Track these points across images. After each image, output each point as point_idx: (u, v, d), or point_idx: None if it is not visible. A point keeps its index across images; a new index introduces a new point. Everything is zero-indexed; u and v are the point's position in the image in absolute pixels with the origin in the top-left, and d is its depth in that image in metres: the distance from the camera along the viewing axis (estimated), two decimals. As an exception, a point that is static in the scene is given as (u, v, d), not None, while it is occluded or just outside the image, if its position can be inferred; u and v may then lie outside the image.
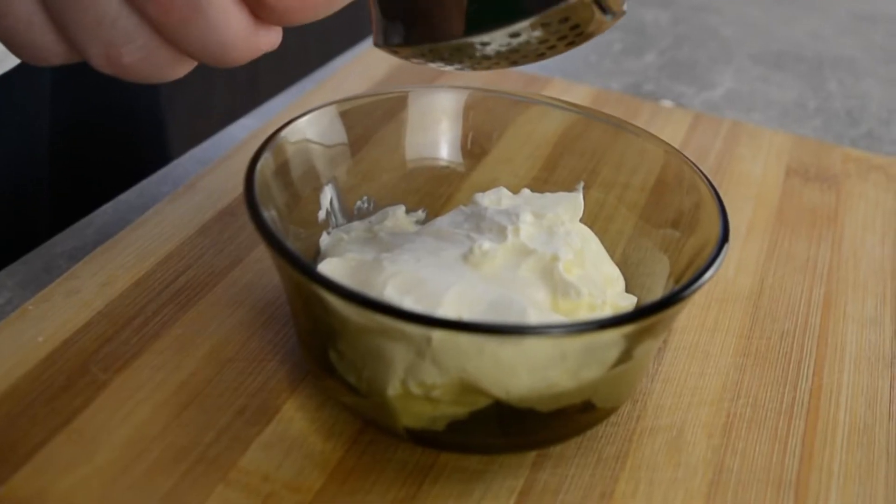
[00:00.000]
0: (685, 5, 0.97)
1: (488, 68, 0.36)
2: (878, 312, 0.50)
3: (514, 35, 0.34)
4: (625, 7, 0.34)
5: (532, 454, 0.39)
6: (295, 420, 0.39)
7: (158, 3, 0.31)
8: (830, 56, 0.88)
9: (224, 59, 0.33)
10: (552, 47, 0.35)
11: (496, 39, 0.34)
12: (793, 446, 0.41)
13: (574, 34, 0.35)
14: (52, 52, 0.33)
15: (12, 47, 0.33)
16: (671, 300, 0.35)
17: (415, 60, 0.37)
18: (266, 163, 0.40)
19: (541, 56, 0.35)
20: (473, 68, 0.36)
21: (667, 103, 0.72)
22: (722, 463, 0.40)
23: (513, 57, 0.35)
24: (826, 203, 0.59)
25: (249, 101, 0.82)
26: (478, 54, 0.35)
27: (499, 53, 0.35)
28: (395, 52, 0.36)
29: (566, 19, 0.34)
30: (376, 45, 0.36)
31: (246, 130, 0.61)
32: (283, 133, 0.41)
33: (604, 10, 0.33)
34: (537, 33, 0.34)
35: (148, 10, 0.31)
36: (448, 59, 0.36)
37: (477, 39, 0.34)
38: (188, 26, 0.31)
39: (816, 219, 0.57)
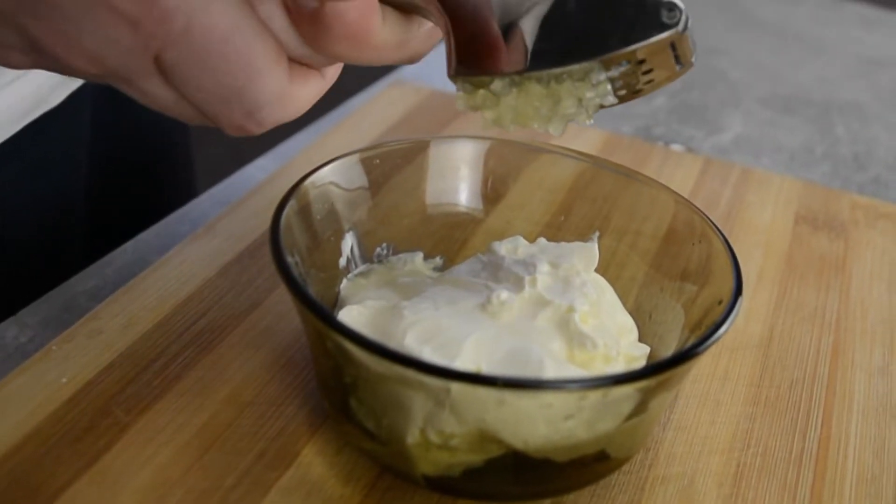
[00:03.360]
0: (694, 47, 0.98)
1: (542, 124, 0.37)
2: (885, 361, 0.51)
3: (592, 71, 0.35)
4: (693, 59, 0.35)
5: (546, 502, 0.39)
6: (314, 465, 0.40)
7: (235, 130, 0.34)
8: (838, 100, 0.89)
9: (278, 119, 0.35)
10: (621, 92, 0.36)
11: (574, 74, 0.35)
12: (801, 496, 0.42)
13: (644, 81, 0.35)
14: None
15: None
16: (687, 356, 0.35)
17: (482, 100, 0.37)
18: (290, 208, 0.41)
19: (608, 103, 0.36)
20: (524, 125, 0.37)
21: (677, 148, 0.73)
22: (733, 513, 0.40)
23: (584, 102, 0.36)
24: (834, 251, 0.60)
25: (260, 138, 0.83)
26: (546, 89, 0.36)
27: (570, 92, 0.36)
28: (466, 85, 0.37)
29: (642, 61, 0.34)
30: (450, 76, 0.37)
31: (263, 171, 0.62)
32: (308, 181, 0.42)
33: (677, 59, 0.34)
34: (612, 72, 0.35)
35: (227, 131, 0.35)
36: (507, 95, 0.37)
37: (555, 72, 0.35)
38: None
39: (825, 267, 0.58)
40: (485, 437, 0.36)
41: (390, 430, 0.37)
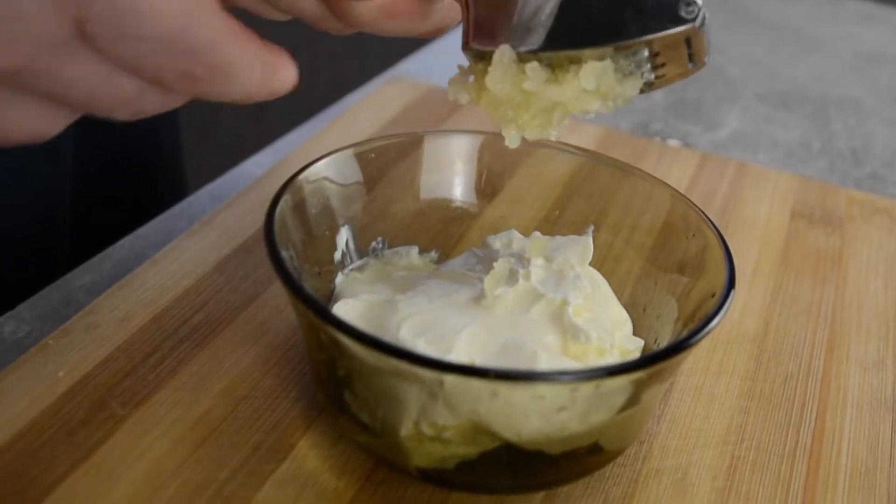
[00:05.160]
0: (692, 43, 0.98)
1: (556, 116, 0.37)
2: (880, 356, 0.51)
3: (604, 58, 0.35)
4: (707, 59, 0.35)
5: (540, 494, 0.40)
6: (309, 457, 0.40)
7: (184, 81, 0.31)
8: (835, 96, 0.89)
9: (242, 100, 0.33)
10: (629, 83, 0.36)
11: (590, 58, 0.35)
12: (795, 490, 0.42)
13: (657, 75, 0.36)
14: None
15: None
16: (678, 347, 0.35)
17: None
18: (285, 204, 0.41)
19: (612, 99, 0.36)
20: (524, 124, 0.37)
21: (674, 143, 0.73)
22: (726, 505, 0.41)
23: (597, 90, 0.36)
24: (830, 245, 0.60)
25: (257, 134, 0.83)
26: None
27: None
28: (478, 58, 0.37)
29: (656, 54, 0.35)
30: (463, 49, 0.37)
31: (260, 167, 0.62)
32: (302, 176, 0.43)
33: (691, 56, 0.35)
34: (624, 61, 0.35)
35: (175, 87, 0.31)
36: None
37: (572, 54, 0.35)
38: (212, 88, 0.32)
39: (821, 261, 0.58)
40: (478, 430, 0.36)
41: (384, 423, 0.37)
